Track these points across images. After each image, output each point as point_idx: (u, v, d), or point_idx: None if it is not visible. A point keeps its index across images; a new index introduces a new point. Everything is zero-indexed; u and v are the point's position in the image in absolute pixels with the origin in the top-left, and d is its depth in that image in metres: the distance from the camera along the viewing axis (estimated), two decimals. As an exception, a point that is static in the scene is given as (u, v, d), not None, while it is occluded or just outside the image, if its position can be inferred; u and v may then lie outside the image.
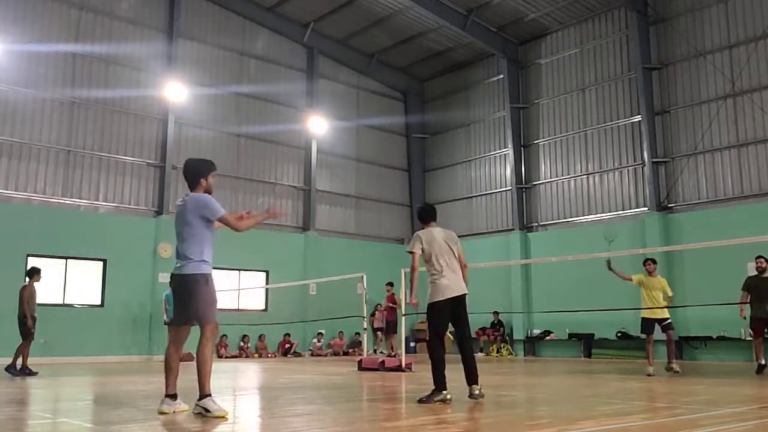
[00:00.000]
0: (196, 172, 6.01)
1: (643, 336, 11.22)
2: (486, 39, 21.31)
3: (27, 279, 12.00)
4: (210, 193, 6.01)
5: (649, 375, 10.52)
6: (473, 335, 20.71)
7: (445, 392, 6.50)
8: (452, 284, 6.78)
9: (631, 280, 11.20)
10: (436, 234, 6.95)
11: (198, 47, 20.44)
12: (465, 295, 6.86)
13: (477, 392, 6.59)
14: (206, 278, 5.77)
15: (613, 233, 15.57)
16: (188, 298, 5.74)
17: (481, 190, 22.78)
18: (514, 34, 21.67)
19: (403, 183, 24.91)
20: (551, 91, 21.12)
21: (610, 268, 11.03)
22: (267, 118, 21.54)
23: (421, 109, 25.08)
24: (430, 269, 6.89)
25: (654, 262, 11.30)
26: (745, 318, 12.16)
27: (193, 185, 5.99)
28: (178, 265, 5.83)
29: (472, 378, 6.69)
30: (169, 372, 5.78)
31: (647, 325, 10.97)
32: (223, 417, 5.51)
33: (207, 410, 5.53)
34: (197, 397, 5.61)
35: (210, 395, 5.60)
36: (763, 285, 11.18)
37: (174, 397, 5.78)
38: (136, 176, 18.80)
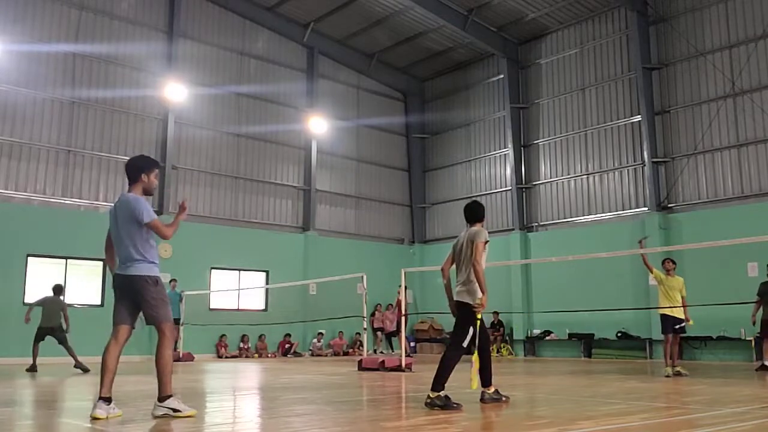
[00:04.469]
0: (138, 168, 5.88)
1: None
2: (486, 39, 21.30)
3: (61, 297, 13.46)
4: (150, 193, 5.97)
5: (667, 376, 10.44)
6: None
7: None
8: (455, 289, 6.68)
9: (651, 271, 11.07)
10: (461, 235, 6.79)
11: (198, 47, 20.43)
12: (457, 302, 6.55)
13: (427, 400, 6.14)
14: (155, 280, 5.76)
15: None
16: (139, 299, 5.72)
17: (481, 190, 22.77)
18: (514, 34, 21.67)
19: (403, 183, 24.91)
20: (551, 91, 21.11)
21: (640, 242, 11.62)
22: (267, 118, 21.53)
23: (421, 109, 25.08)
24: None
25: (673, 262, 11.13)
26: (754, 324, 12.27)
27: (133, 180, 5.88)
28: (123, 266, 5.75)
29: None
30: (107, 372, 5.60)
31: (666, 323, 10.86)
32: (192, 416, 5.54)
33: (175, 410, 5.52)
34: (157, 398, 5.58)
35: (173, 395, 5.60)
36: None
37: (109, 400, 5.50)
38: (136, 176, 18.76)
